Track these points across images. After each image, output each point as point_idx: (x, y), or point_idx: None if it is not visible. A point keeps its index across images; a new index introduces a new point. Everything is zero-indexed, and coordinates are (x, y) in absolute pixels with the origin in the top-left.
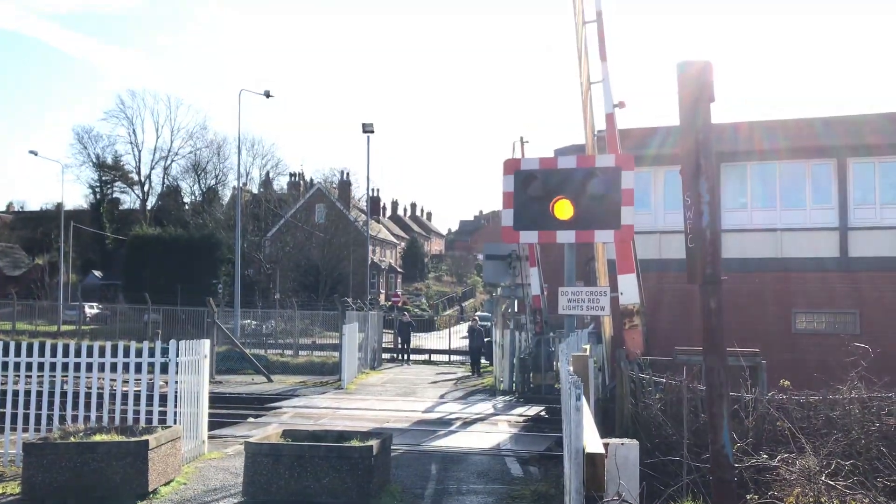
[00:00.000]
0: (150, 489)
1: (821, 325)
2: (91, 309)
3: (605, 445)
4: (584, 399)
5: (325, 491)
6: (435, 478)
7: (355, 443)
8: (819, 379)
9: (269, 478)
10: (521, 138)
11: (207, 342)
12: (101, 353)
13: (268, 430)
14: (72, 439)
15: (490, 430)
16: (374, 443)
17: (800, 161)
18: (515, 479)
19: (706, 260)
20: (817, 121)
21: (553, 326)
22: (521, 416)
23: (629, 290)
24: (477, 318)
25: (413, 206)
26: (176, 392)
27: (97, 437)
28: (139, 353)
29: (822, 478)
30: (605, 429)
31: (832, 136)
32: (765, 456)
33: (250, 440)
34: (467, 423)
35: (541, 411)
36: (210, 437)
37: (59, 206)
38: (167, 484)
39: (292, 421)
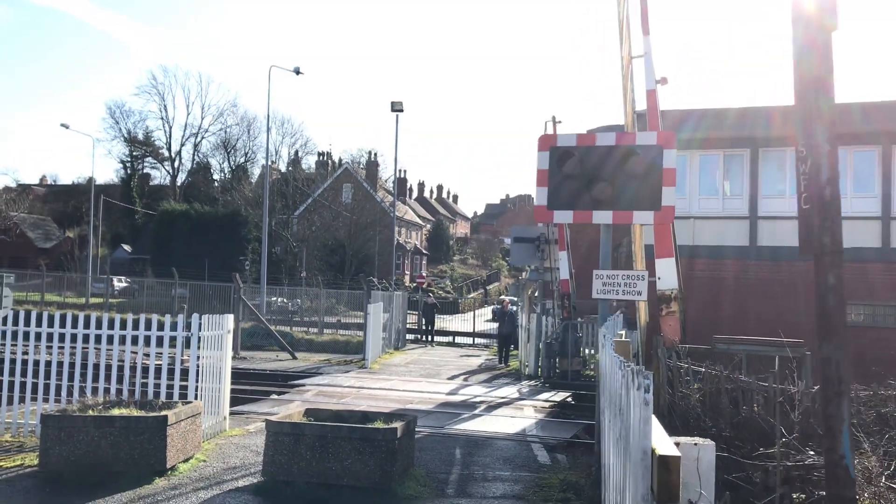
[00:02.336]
0: (169, 466)
1: (859, 318)
2: (119, 282)
3: (675, 445)
4: (651, 391)
5: (347, 473)
6: (459, 462)
7: (379, 424)
8: (858, 373)
9: (290, 458)
10: (554, 118)
11: (231, 317)
12: (123, 326)
13: (290, 407)
14: (90, 412)
15: (515, 415)
16: (398, 425)
17: (841, 148)
18: (543, 467)
19: (824, 225)
20: (858, 106)
21: (581, 312)
22: (547, 401)
23: (667, 274)
24: (508, 301)
25: (439, 188)
26: (198, 367)
27: (115, 411)
28: (161, 327)
29: (883, 479)
30: None
31: (875, 121)
32: (811, 452)
33: (271, 418)
34: (492, 407)
35: (567, 397)
36: (232, 414)
37: (90, 180)
38: (186, 461)
39: (315, 399)
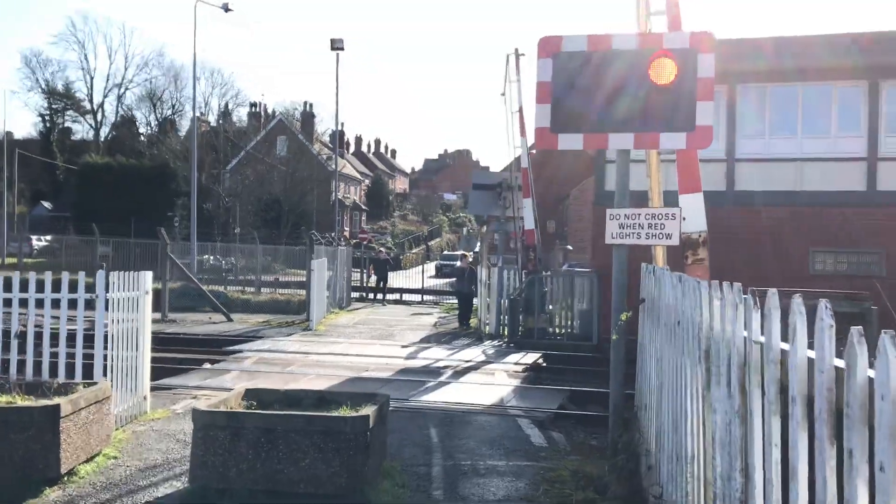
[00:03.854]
0: (64, 470)
1: (842, 266)
2: (39, 241)
3: None
4: None
5: (304, 477)
6: (439, 448)
7: (344, 411)
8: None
9: (227, 458)
10: (517, 50)
11: (149, 275)
12: (7, 288)
13: (226, 379)
14: None
15: (487, 382)
16: (369, 411)
17: (826, 83)
18: (540, 451)
19: None
20: (846, 37)
21: (547, 264)
22: (517, 364)
23: (694, 214)
24: (470, 255)
25: (377, 142)
26: (108, 335)
27: None
28: (57, 287)
29: None
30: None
31: (863, 54)
32: None
33: (200, 406)
34: (459, 373)
35: (538, 359)
36: (155, 389)
37: (7, 133)
38: (90, 460)
39: (256, 368)
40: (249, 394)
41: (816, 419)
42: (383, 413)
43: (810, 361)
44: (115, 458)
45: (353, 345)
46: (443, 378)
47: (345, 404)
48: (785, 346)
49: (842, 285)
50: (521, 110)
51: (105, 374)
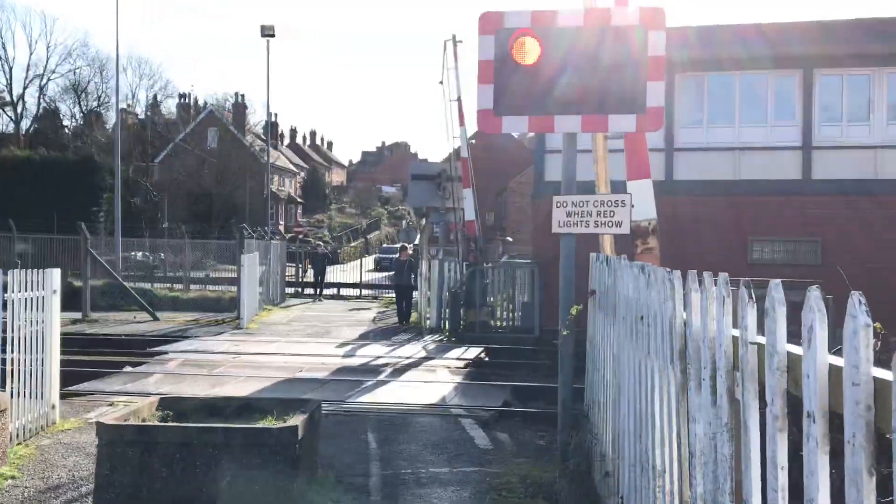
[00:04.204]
0: None
1: (779, 255)
2: None
3: None
4: None
5: (227, 496)
6: (377, 454)
7: (270, 421)
8: None
9: (137, 477)
10: (454, 37)
11: (57, 272)
12: None
13: (147, 383)
14: None
15: (429, 379)
16: (299, 420)
17: (761, 72)
18: (486, 454)
19: None
20: (781, 26)
21: (488, 256)
22: (459, 359)
23: (643, 201)
24: (411, 247)
25: (313, 134)
26: (6, 339)
27: None
28: None
29: None
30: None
31: (798, 43)
32: None
33: (104, 419)
34: (399, 371)
35: (480, 353)
36: (69, 396)
37: None
38: None
39: (180, 371)
40: (165, 402)
41: (848, 444)
42: (315, 420)
43: (833, 370)
44: (13, 477)
45: (286, 344)
46: (382, 377)
47: (272, 412)
48: (794, 349)
49: (780, 274)
50: (459, 99)
51: (3, 383)
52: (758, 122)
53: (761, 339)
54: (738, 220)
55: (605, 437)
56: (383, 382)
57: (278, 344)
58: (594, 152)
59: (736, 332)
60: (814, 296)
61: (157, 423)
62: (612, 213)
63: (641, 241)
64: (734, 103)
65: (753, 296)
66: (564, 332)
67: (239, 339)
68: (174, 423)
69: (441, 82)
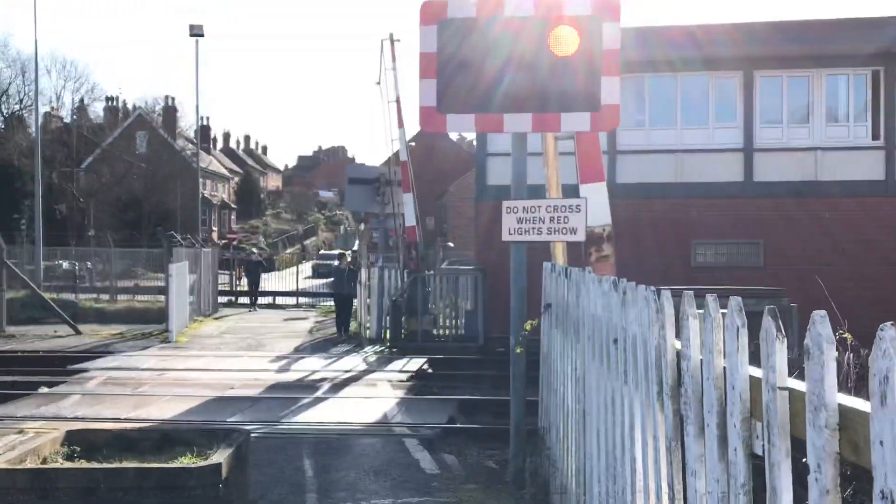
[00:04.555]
0: None
1: (722, 258)
2: None
3: None
4: None
5: None
6: (314, 485)
7: (189, 460)
8: None
9: None
10: (391, 36)
11: None
12: None
13: (63, 406)
14: None
15: (370, 395)
16: (221, 457)
17: (702, 74)
18: (433, 480)
19: None
20: (721, 27)
21: (429, 263)
22: (401, 371)
23: (597, 206)
24: (349, 255)
25: (247, 138)
26: None
27: None
28: None
29: None
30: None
31: (738, 44)
32: None
33: None
34: (338, 386)
35: (423, 365)
36: None
37: None
38: None
39: (101, 391)
40: (72, 436)
41: None
42: (242, 454)
43: None
44: None
45: (217, 358)
46: (319, 393)
47: (194, 445)
48: (847, 401)
49: (723, 276)
50: (398, 100)
51: None
52: (699, 125)
53: (795, 384)
54: (680, 224)
55: (566, 467)
56: (321, 399)
57: (208, 359)
58: (544, 154)
59: (756, 373)
60: (889, 335)
61: (58, 463)
62: (565, 220)
63: (596, 249)
64: (675, 105)
65: (782, 328)
66: (518, 350)
67: (167, 353)
68: (77, 465)
69: (378, 83)
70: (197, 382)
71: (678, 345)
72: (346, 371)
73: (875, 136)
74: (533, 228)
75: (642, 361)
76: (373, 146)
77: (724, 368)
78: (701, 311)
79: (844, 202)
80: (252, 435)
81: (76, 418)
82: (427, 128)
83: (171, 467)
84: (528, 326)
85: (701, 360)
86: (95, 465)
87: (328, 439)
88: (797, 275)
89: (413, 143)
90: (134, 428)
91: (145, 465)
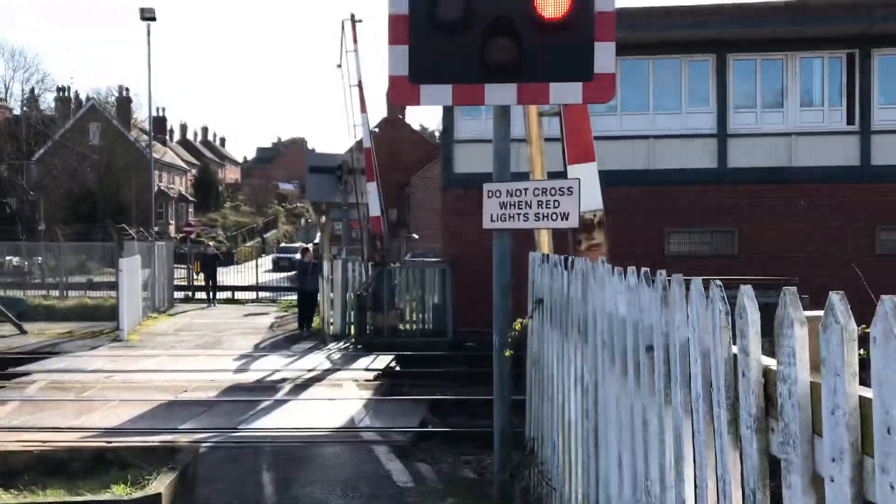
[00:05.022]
0: None
1: (696, 246)
2: None
3: None
4: None
5: None
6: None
7: (121, 490)
8: None
9: None
10: (353, 16)
11: None
12: None
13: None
14: None
15: (335, 396)
16: (163, 483)
17: (673, 57)
18: (407, 494)
19: None
20: (695, 8)
21: (394, 255)
22: (368, 370)
23: (587, 189)
24: (310, 247)
25: (205, 130)
26: None
27: None
28: None
29: None
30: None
31: (711, 25)
32: None
33: None
34: (300, 387)
35: (391, 362)
36: None
37: None
38: None
39: (43, 396)
40: None
41: None
42: (188, 478)
43: None
44: None
45: (171, 358)
46: (280, 395)
47: (131, 467)
48: None
49: (698, 265)
50: (360, 83)
51: None
52: (672, 110)
53: None
54: (653, 212)
55: (569, 492)
56: (282, 402)
57: (161, 359)
58: (528, 132)
59: None
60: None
61: None
62: (555, 203)
63: (586, 236)
64: (648, 90)
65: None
66: (507, 353)
67: (117, 353)
68: None
69: (339, 66)
70: (148, 385)
71: (767, 361)
72: (309, 370)
73: (850, 121)
74: (518, 214)
75: (700, 379)
76: (334, 137)
77: (860, 399)
78: (809, 314)
79: (819, 188)
80: (206, 444)
81: (11, 428)
82: (398, 100)
83: (99, 500)
84: (517, 325)
85: (811, 383)
86: (8, 498)
87: (290, 448)
88: (772, 262)
89: (377, 129)
90: (64, 447)
91: (68, 498)
